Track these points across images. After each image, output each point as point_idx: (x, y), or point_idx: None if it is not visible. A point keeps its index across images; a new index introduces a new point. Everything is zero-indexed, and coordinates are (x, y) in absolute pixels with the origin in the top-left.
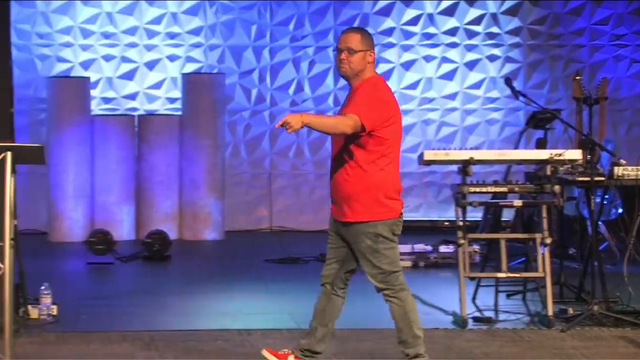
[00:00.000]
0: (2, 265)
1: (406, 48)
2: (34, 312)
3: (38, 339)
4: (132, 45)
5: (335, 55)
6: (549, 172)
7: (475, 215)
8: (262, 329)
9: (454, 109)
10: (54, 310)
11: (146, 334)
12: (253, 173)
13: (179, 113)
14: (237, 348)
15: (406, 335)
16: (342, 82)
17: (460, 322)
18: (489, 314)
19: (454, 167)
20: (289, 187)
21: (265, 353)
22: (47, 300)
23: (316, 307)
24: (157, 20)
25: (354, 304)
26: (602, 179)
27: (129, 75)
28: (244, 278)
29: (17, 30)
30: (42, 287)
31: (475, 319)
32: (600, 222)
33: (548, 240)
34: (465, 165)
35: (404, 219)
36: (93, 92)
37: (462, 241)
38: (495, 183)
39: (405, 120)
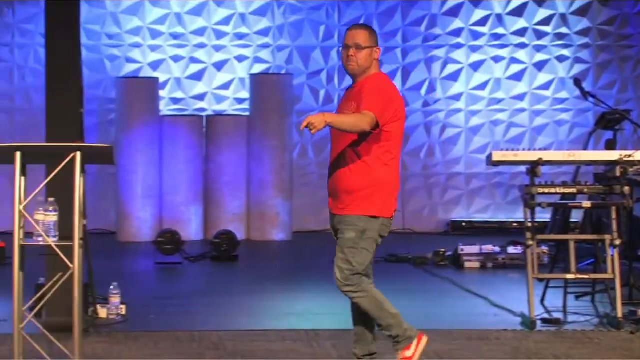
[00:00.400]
0: (71, 265)
1: (474, 49)
2: (102, 312)
3: (107, 338)
4: (201, 45)
5: (341, 53)
6: (618, 173)
7: (544, 216)
8: (330, 329)
9: (522, 110)
10: (123, 310)
11: (214, 334)
12: (320, 174)
13: (247, 114)
14: (305, 348)
15: (386, 319)
16: (410, 83)
17: (528, 323)
18: (558, 315)
19: (523, 168)
20: None
21: None
22: (115, 300)
23: (354, 311)
24: (226, 21)
25: (417, 305)
26: None
27: (197, 76)
28: (311, 278)
29: (86, 31)
30: (111, 287)
31: (544, 321)
32: None
33: (617, 242)
34: (533, 166)
35: (474, 219)
36: (162, 93)
37: (530, 242)
38: (564, 184)
39: (473, 121)
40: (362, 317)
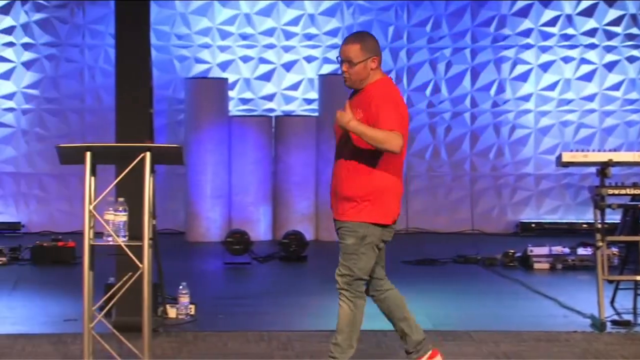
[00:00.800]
0: (141, 265)
1: (544, 49)
2: (172, 312)
3: (176, 338)
4: (270, 46)
5: (340, 63)
6: None
7: (614, 217)
8: None
9: (592, 111)
10: (192, 309)
11: (283, 334)
12: None
13: (316, 114)
14: (374, 349)
15: (344, 340)
16: (479, 83)
17: (598, 325)
18: (628, 317)
19: (593, 169)
20: (425, 189)
21: None
22: (185, 299)
23: (385, 312)
24: (295, 22)
25: (486, 306)
26: None
27: (266, 77)
28: None
29: (156, 32)
30: (180, 287)
31: (614, 322)
32: None
33: None
34: (603, 167)
35: (544, 220)
36: (231, 93)
37: (600, 244)
38: (635, 185)
39: (543, 122)
40: (395, 315)
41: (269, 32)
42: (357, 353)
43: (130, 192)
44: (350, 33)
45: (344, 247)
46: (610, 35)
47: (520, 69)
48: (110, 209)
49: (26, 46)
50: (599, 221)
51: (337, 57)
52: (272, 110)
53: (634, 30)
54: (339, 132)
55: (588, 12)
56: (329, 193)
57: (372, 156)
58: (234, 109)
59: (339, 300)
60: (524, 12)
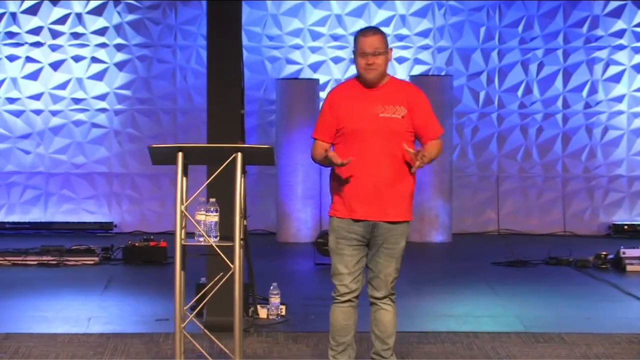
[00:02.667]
0: (232, 265)
1: (637, 50)
2: (262, 312)
3: (267, 339)
4: None
5: (355, 60)
6: None
7: None
8: (489, 332)
9: None
10: (283, 310)
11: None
12: (480, 175)
13: None
14: (465, 351)
15: (393, 340)
16: (571, 84)
17: None
18: None
19: None
20: (516, 190)
21: None
22: (275, 300)
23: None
24: (386, 22)
25: (578, 308)
26: None
27: None
28: (471, 280)
29: (247, 33)
30: (271, 287)
31: None
32: None
33: None
34: None
35: (637, 222)
36: (322, 94)
37: None
38: None
39: (636, 123)
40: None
41: None
42: (450, 354)
43: (221, 193)
44: (364, 28)
45: (397, 252)
46: None
47: (612, 69)
48: (202, 209)
49: (119, 47)
50: None
51: (353, 52)
52: None
53: None
54: (364, 131)
55: None
56: (359, 193)
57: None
58: None
59: (387, 305)
60: (617, 13)
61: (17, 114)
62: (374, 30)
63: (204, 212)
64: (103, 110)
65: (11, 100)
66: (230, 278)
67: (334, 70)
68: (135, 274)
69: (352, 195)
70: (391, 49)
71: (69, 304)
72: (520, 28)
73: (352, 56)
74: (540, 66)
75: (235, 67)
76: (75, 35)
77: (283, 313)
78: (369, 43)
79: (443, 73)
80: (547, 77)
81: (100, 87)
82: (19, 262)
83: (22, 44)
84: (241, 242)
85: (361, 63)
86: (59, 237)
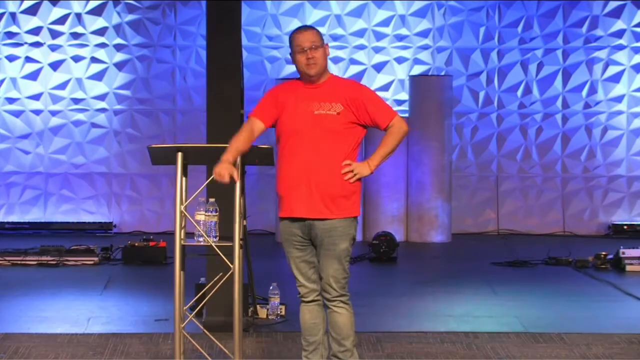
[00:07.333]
0: (231, 265)
1: (637, 50)
2: (262, 312)
3: (266, 338)
4: (361, 47)
5: (295, 60)
6: None
7: None
8: (489, 332)
9: None
10: (282, 310)
11: (373, 334)
12: (480, 175)
13: (406, 115)
14: (464, 351)
15: (351, 342)
16: (570, 84)
17: None
18: None
19: None
20: (516, 190)
21: None
22: (275, 300)
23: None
24: (385, 23)
25: (577, 308)
26: None
27: (357, 78)
28: (470, 280)
29: (247, 33)
30: (271, 287)
31: None
32: None
33: None
34: None
35: (636, 222)
36: None
37: None
38: None
39: (635, 124)
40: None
41: (360, 33)
42: (450, 354)
43: (221, 193)
44: (297, 27)
45: (339, 253)
46: None
47: (612, 70)
48: (202, 209)
49: (118, 47)
50: None
51: (290, 54)
52: None
53: None
54: (299, 129)
55: None
56: (293, 192)
57: (353, 148)
58: None
59: (338, 307)
60: (616, 13)
61: (17, 114)
62: (307, 26)
63: (203, 212)
64: (102, 110)
65: (11, 100)
66: (230, 278)
67: (334, 71)
68: (135, 274)
69: (288, 194)
70: (327, 45)
71: (68, 304)
72: (519, 28)
73: (290, 57)
74: (540, 66)
75: (234, 67)
76: (75, 36)
77: (282, 313)
78: (306, 38)
79: (442, 73)
80: (546, 77)
81: (99, 87)
82: (19, 262)
83: (21, 44)
84: (241, 242)
85: (301, 60)
86: (59, 237)
